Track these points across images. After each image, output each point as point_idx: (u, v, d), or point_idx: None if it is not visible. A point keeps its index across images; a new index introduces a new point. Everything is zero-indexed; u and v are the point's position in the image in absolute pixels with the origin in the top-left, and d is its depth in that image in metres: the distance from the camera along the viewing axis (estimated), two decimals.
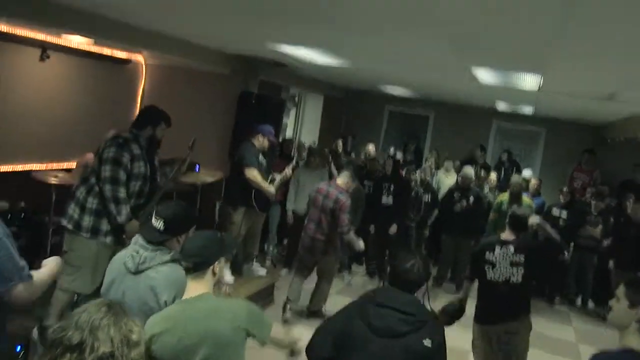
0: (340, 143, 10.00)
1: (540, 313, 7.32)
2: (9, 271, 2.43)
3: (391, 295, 2.89)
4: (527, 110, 10.22)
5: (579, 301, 8.93)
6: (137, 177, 4.54)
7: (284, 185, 7.65)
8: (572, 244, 8.58)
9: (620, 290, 2.51)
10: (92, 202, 4.45)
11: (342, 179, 6.58)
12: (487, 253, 4.73)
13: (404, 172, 8.92)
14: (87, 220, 4.44)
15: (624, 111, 7.79)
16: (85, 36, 5.92)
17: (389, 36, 4.33)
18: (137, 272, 2.82)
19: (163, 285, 2.76)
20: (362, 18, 3.79)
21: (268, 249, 8.46)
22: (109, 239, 4.48)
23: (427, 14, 3.38)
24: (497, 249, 4.72)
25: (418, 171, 9.21)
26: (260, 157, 6.72)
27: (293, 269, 7.09)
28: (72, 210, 4.48)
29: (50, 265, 2.77)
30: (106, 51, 7.34)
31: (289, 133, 11.76)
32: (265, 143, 6.67)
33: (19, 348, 4.11)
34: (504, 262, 4.68)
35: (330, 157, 8.92)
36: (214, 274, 2.62)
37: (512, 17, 3.21)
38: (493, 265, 4.70)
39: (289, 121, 13.14)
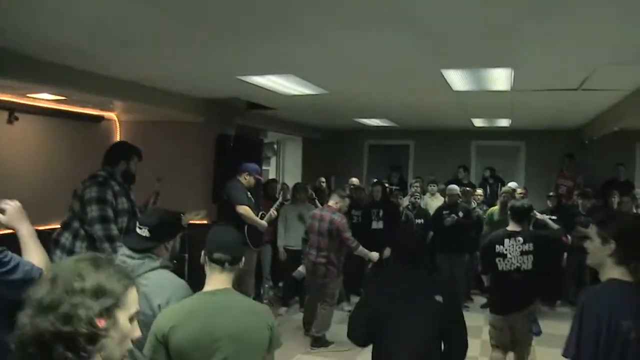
0: (322, 179, 9.99)
1: (543, 316, 7.28)
2: (22, 280, 2.27)
3: (398, 270, 3.54)
4: (504, 123, 10.27)
5: None
6: (123, 213, 4.45)
7: (272, 225, 7.65)
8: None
9: (592, 230, 2.65)
10: (80, 246, 4.32)
11: (333, 200, 6.80)
12: (497, 246, 5.14)
13: (391, 198, 8.92)
14: None
15: (596, 107, 7.86)
16: (54, 91, 5.86)
17: (358, 43, 4.35)
18: None
19: (155, 291, 2.69)
20: (327, 23, 3.80)
21: (263, 290, 8.30)
22: None
23: (392, 10, 3.39)
24: (507, 241, 5.15)
25: (406, 197, 9.26)
26: (248, 194, 6.73)
27: (292, 306, 7.05)
28: (59, 258, 4.31)
29: (22, 230, 2.49)
30: (77, 110, 7.31)
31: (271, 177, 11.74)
32: (252, 181, 6.72)
33: None
34: (515, 252, 5.11)
35: (314, 194, 8.95)
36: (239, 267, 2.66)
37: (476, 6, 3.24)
38: (504, 256, 5.12)
39: (270, 168, 13.18)
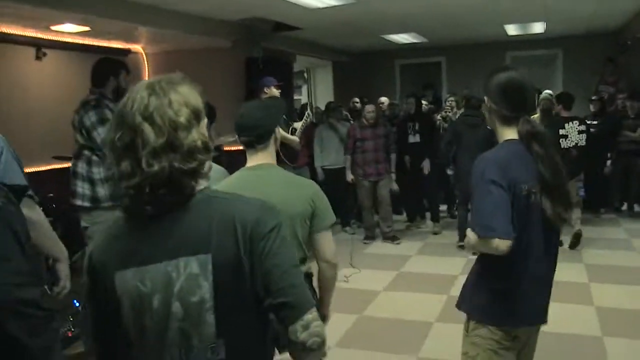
0: (356, 100, 9.79)
1: (587, 223, 7.25)
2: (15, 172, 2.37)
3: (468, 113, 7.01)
4: (539, 28, 9.88)
5: (624, 207, 8.90)
6: None
7: (308, 148, 7.66)
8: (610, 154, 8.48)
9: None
10: (98, 172, 4.21)
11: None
12: (560, 130, 6.65)
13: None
14: (102, 191, 4.21)
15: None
16: (77, 20, 5.79)
17: None
18: None
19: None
20: None
21: None
22: None
23: None
24: (567, 125, 6.72)
25: (441, 113, 9.06)
26: None
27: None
28: (81, 187, 4.24)
29: None
30: (103, 43, 7.26)
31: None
32: (275, 92, 6.52)
33: (77, 303, 4.09)
34: (573, 132, 6.68)
35: (350, 115, 8.88)
36: (276, 140, 2.58)
37: None
38: (566, 137, 6.66)
39: (302, 97, 13.08)
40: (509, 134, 2.32)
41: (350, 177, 7.61)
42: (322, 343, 1.49)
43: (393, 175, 7.72)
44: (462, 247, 6.90)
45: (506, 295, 2.27)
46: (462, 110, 9.65)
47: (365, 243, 7.60)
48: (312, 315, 1.48)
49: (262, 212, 1.51)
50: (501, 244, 2.12)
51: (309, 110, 7.49)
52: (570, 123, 6.66)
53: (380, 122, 7.64)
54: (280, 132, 2.61)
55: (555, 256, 2.37)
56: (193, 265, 1.44)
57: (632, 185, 8.64)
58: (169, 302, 1.44)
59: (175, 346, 1.45)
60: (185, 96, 1.48)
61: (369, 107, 7.55)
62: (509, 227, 2.12)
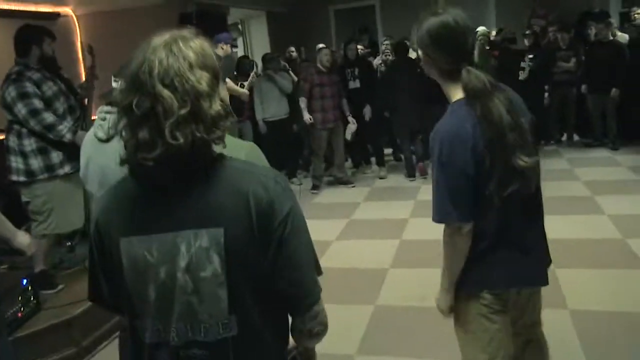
0: (292, 49, 9.64)
1: None
2: None
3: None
4: None
5: (564, 138, 9.27)
6: (56, 97, 4.17)
7: (249, 101, 7.56)
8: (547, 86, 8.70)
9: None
10: (29, 144, 4.10)
11: None
12: (522, 63, 8.05)
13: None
14: (35, 164, 4.12)
15: None
16: None
17: None
18: (110, 137, 2.57)
19: None
20: None
21: None
22: (67, 168, 4.20)
23: None
24: (527, 58, 8.22)
25: (377, 58, 9.03)
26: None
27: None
28: (15, 162, 4.13)
29: None
30: (30, 8, 6.90)
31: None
32: (229, 50, 6.43)
33: (25, 282, 3.93)
34: (527, 65, 8.03)
35: (287, 65, 8.74)
36: None
37: None
38: (524, 69, 8.05)
39: (237, 50, 12.80)
40: (457, 92, 2.01)
41: (307, 116, 7.41)
42: (325, 329, 1.55)
43: (352, 119, 7.71)
44: (412, 180, 7.75)
45: (486, 258, 2.07)
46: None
47: (313, 193, 7.60)
48: (320, 306, 1.53)
49: (277, 190, 1.41)
50: (462, 228, 1.99)
51: (256, 63, 7.40)
52: (528, 56, 7.91)
53: (333, 68, 7.59)
54: (229, 84, 2.47)
55: (535, 215, 2.15)
56: (204, 238, 1.36)
57: (569, 115, 8.93)
58: (175, 274, 1.37)
59: (182, 321, 1.39)
60: (203, 56, 1.36)
61: (325, 51, 7.47)
62: (464, 210, 1.95)
